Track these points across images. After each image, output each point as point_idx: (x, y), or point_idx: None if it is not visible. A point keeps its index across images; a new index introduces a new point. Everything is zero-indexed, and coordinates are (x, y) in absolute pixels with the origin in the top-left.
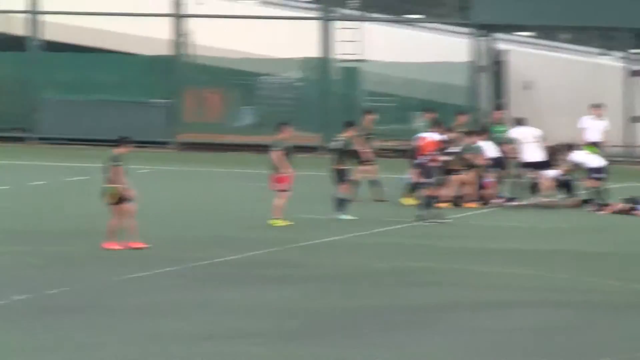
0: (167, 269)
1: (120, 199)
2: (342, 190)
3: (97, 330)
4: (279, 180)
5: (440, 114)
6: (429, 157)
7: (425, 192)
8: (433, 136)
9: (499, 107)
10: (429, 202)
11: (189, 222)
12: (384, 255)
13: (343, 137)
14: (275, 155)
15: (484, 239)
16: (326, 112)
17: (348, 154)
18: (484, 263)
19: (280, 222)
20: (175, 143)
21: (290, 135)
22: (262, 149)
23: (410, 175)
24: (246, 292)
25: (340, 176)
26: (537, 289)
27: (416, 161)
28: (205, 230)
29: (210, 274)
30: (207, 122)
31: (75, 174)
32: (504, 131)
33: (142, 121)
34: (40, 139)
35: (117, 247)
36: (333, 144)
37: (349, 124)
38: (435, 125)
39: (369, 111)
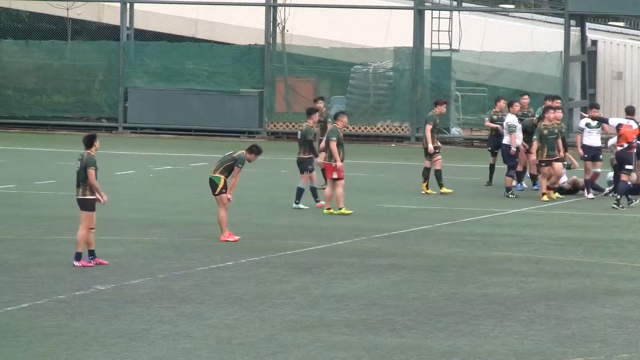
0: (252, 258)
1: (220, 190)
2: (303, 180)
3: (182, 320)
4: (334, 169)
5: (533, 104)
6: (629, 145)
7: (624, 177)
8: (632, 124)
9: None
10: (627, 189)
11: (273, 211)
12: (470, 245)
13: (304, 125)
14: (332, 144)
15: (578, 228)
16: (417, 102)
17: (308, 142)
18: (572, 253)
19: (346, 211)
20: (266, 132)
21: (345, 125)
22: (354, 138)
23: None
24: (331, 281)
25: (301, 166)
26: (627, 279)
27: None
28: (290, 219)
29: (295, 263)
30: (298, 111)
31: (163, 164)
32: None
33: (232, 111)
34: (130, 128)
35: (234, 238)
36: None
37: (312, 111)
38: (629, 113)
39: (320, 98)
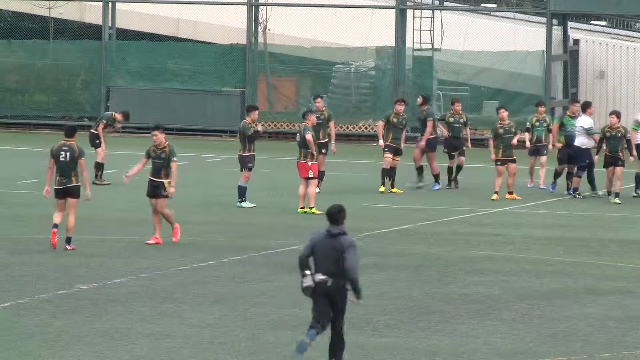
0: (234, 257)
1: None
2: (242, 178)
3: (164, 319)
4: (309, 167)
5: (515, 103)
6: None
7: None
8: None
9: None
10: None
11: (255, 210)
12: (452, 244)
13: (243, 122)
14: (309, 136)
15: (560, 228)
16: None
17: (249, 139)
18: (554, 252)
19: (316, 211)
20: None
21: (314, 123)
22: (336, 138)
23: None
24: None
25: (242, 163)
26: (609, 278)
27: None
28: (270, 218)
29: (277, 262)
30: (280, 111)
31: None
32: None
33: (214, 110)
34: None
35: (150, 241)
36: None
37: (251, 108)
38: None
39: (319, 96)
